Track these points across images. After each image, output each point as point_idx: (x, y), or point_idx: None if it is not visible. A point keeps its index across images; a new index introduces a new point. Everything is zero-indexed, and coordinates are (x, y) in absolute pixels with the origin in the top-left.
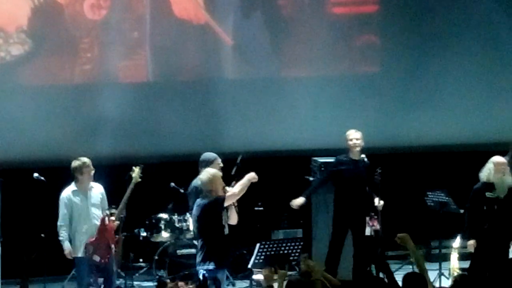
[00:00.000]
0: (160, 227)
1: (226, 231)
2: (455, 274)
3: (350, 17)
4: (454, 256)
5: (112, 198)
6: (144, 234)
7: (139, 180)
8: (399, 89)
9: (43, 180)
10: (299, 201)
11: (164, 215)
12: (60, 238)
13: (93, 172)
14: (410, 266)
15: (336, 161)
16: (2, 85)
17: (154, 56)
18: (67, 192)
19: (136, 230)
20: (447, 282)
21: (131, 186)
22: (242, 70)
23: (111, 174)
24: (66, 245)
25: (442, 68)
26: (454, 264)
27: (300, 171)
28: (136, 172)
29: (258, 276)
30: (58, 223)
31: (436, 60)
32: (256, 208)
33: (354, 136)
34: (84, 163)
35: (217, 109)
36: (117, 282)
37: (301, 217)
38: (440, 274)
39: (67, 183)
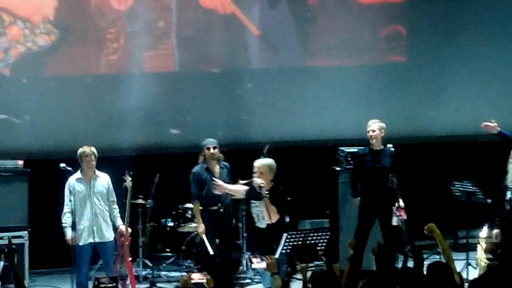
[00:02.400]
0: (187, 217)
1: (261, 224)
2: (483, 264)
3: (376, 7)
4: (481, 246)
5: (138, 189)
6: (171, 224)
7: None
8: (426, 79)
9: (70, 170)
10: (356, 200)
11: (191, 205)
12: (63, 225)
13: (93, 162)
14: (438, 256)
15: (356, 153)
16: (28, 75)
17: (180, 46)
18: (72, 180)
19: (163, 221)
20: (474, 272)
21: (129, 195)
22: (268, 60)
23: (137, 164)
24: (68, 232)
25: (469, 58)
26: (481, 254)
27: (326, 161)
28: (128, 180)
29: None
30: (64, 210)
31: (462, 50)
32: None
33: (371, 128)
34: (83, 152)
35: (243, 99)
36: (144, 272)
37: (328, 207)
38: (468, 264)
39: None
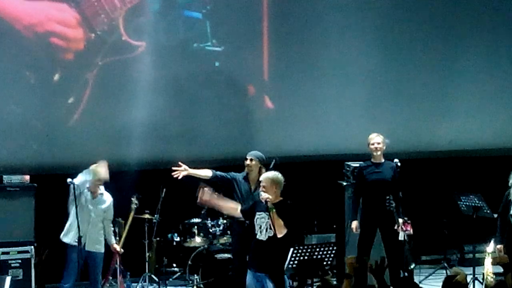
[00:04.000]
0: (194, 232)
1: (262, 236)
2: (489, 278)
3: None
4: (488, 260)
5: (145, 203)
6: (178, 239)
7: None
8: (431, 93)
9: (77, 185)
10: (354, 224)
11: (197, 220)
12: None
13: (99, 182)
14: (444, 271)
15: (358, 167)
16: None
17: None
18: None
19: (169, 235)
20: (481, 287)
21: (131, 217)
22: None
23: (144, 179)
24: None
25: (474, 72)
26: (488, 268)
27: (333, 175)
28: (134, 203)
29: None
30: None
31: (468, 64)
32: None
33: (376, 140)
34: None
35: (251, 113)
36: (151, 287)
37: (334, 222)
38: (474, 279)
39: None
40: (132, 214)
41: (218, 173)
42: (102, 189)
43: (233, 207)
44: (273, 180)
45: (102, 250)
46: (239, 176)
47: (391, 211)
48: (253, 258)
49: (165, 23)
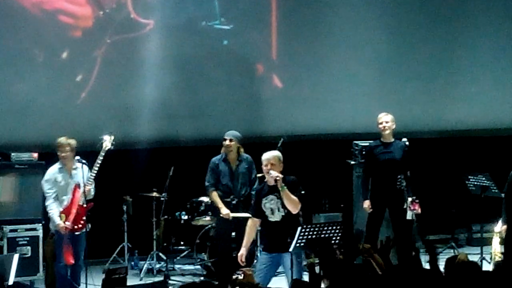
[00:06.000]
0: (201, 210)
1: (275, 218)
2: (497, 258)
3: None
4: (496, 240)
5: (153, 182)
6: (185, 217)
7: (110, 147)
8: (440, 73)
9: (84, 162)
10: (366, 203)
11: (205, 199)
12: (52, 213)
13: (64, 154)
14: (452, 251)
15: (368, 147)
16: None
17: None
18: (53, 170)
19: (177, 214)
20: (488, 266)
21: (102, 153)
22: (283, 53)
23: (151, 157)
24: (57, 220)
25: (484, 52)
26: (496, 248)
27: (341, 154)
28: (108, 140)
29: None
30: (48, 201)
31: (478, 43)
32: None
33: (384, 119)
34: (58, 142)
35: (258, 92)
36: (158, 266)
37: (342, 201)
38: (482, 259)
39: (110, 166)
40: (101, 154)
41: (212, 183)
42: (75, 163)
43: (253, 230)
44: (279, 158)
45: (89, 227)
46: (217, 159)
47: (402, 190)
48: (269, 241)
49: (174, 1)
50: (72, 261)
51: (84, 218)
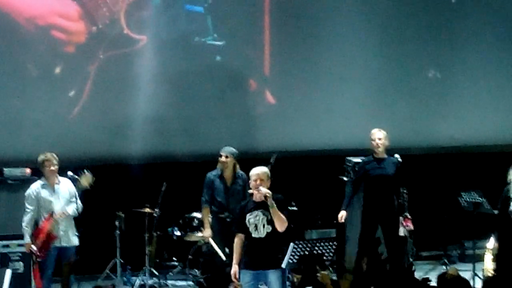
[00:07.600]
0: (194, 226)
1: (259, 234)
2: (489, 275)
3: None
4: (488, 257)
5: (145, 197)
6: (178, 233)
7: (87, 187)
8: (433, 90)
9: (77, 178)
10: (341, 214)
11: (198, 215)
12: (25, 228)
13: (53, 167)
14: (444, 267)
15: (361, 163)
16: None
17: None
18: (36, 186)
19: (169, 229)
20: (481, 283)
21: (79, 190)
22: (277, 69)
23: (145, 172)
24: (27, 239)
25: (476, 69)
26: (488, 265)
27: (334, 170)
28: (85, 179)
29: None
30: (26, 216)
31: (470, 60)
32: (289, 208)
33: (377, 136)
34: (44, 157)
35: (252, 108)
36: (151, 281)
37: (335, 217)
38: (474, 275)
39: (103, 182)
40: (81, 188)
41: (207, 199)
42: (58, 177)
43: (240, 246)
44: (268, 174)
45: (78, 241)
46: (213, 175)
47: (403, 204)
48: (252, 257)
49: (167, 17)
50: (40, 286)
51: (50, 247)
